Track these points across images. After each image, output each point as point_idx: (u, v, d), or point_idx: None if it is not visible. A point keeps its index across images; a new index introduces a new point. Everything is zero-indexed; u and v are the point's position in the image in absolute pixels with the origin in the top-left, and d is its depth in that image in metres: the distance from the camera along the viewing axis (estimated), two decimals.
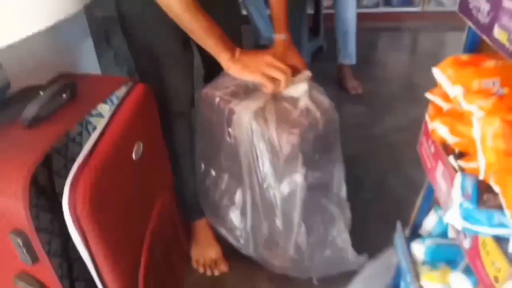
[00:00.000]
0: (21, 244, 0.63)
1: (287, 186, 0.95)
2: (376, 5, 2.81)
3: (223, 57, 0.89)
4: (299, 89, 0.95)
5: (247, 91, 0.96)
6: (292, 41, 1.04)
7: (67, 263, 0.86)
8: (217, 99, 0.96)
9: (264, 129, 0.90)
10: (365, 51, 2.35)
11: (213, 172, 1.08)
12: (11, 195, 0.61)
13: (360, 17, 2.02)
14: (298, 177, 0.93)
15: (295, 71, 0.98)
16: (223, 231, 1.13)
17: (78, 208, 0.62)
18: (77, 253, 0.87)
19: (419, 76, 2.18)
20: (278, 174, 0.94)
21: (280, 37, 1.02)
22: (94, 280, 0.76)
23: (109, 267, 0.71)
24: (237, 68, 0.89)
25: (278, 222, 0.99)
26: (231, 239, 1.12)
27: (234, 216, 1.07)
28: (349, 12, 1.94)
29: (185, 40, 0.99)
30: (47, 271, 0.68)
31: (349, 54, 2.04)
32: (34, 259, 0.66)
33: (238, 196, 1.03)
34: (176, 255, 1.09)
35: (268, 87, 0.90)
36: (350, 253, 1.10)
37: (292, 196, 0.95)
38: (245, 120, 0.91)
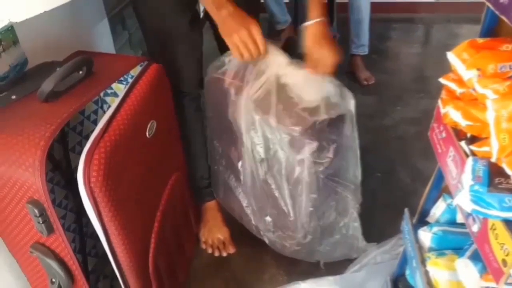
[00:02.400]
0: (37, 214, 0.65)
1: (295, 171, 0.95)
2: None
3: (212, 14, 0.88)
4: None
5: (256, 73, 0.96)
6: (327, 27, 0.92)
7: (80, 239, 0.88)
8: (224, 84, 0.96)
9: (266, 122, 0.90)
10: (378, 42, 2.33)
11: (223, 154, 1.09)
12: (28, 166, 0.62)
13: (373, 7, 1.99)
14: (305, 164, 0.93)
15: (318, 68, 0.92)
16: (233, 212, 1.14)
17: (92, 180, 0.64)
18: (90, 229, 0.89)
19: (431, 69, 2.16)
20: (285, 160, 0.94)
21: (311, 24, 0.91)
22: (106, 255, 0.77)
23: (120, 241, 0.73)
24: (220, 26, 0.88)
25: (287, 206, 1.00)
26: (240, 221, 1.13)
27: (243, 197, 1.08)
28: (363, 2, 1.92)
29: (193, 20, 0.99)
30: (62, 243, 0.70)
31: (362, 44, 2.03)
32: (50, 230, 0.68)
33: (246, 178, 1.05)
34: (185, 235, 1.11)
35: (234, 55, 0.89)
36: (360, 241, 1.11)
37: (301, 181, 0.96)
38: (247, 109, 0.91)
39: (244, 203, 1.09)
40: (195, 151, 1.14)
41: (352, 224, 1.08)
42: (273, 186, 0.99)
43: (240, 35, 0.85)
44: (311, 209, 1.00)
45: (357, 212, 1.09)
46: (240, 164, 1.05)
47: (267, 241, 1.13)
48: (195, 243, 1.22)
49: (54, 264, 0.72)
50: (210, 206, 1.23)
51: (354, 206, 1.08)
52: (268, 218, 1.07)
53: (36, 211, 0.64)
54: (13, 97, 0.73)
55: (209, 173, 1.21)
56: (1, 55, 0.81)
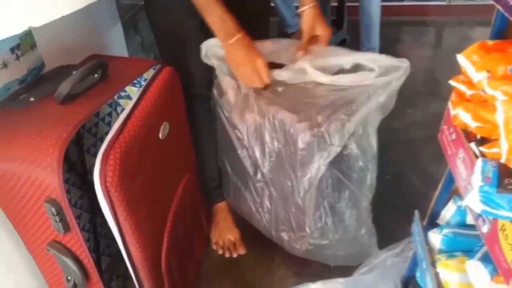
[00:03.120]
0: (54, 213, 0.67)
1: (309, 172, 0.95)
2: None
3: (221, 40, 0.93)
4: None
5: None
6: (320, 9, 1.02)
7: (95, 238, 0.91)
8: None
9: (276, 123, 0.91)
10: (388, 45, 2.33)
11: (233, 154, 1.09)
12: (46, 166, 0.64)
13: (384, 10, 1.99)
14: (318, 167, 0.94)
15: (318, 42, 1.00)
16: (243, 213, 1.15)
17: (108, 180, 0.65)
18: (103, 229, 0.91)
19: (442, 72, 2.15)
20: (296, 162, 0.95)
21: (306, 8, 1.00)
22: (119, 255, 0.79)
23: (135, 240, 0.75)
24: (227, 56, 0.94)
25: (299, 200, 0.99)
26: (250, 221, 1.14)
27: (255, 196, 1.09)
28: (374, 5, 1.93)
29: (204, 23, 1.01)
30: (77, 241, 0.72)
31: (372, 47, 2.03)
32: (66, 228, 0.70)
33: (257, 178, 1.05)
34: (196, 235, 1.13)
35: (243, 83, 0.96)
36: (374, 248, 1.10)
37: (313, 173, 0.95)
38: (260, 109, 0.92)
39: (256, 203, 1.10)
40: (205, 152, 1.16)
41: (368, 232, 1.07)
42: (287, 182, 0.99)
43: (246, 68, 0.93)
44: (324, 204, 0.99)
45: (371, 218, 1.09)
46: (250, 163, 1.05)
47: (277, 241, 1.14)
48: (205, 243, 1.23)
49: (70, 262, 0.74)
50: (221, 207, 1.24)
51: (369, 214, 1.07)
52: (281, 217, 1.07)
53: (53, 209, 0.66)
54: (32, 99, 0.76)
55: (219, 174, 1.22)
56: (20, 59, 0.84)
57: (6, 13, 0.66)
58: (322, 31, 1.01)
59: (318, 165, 0.92)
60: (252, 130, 0.98)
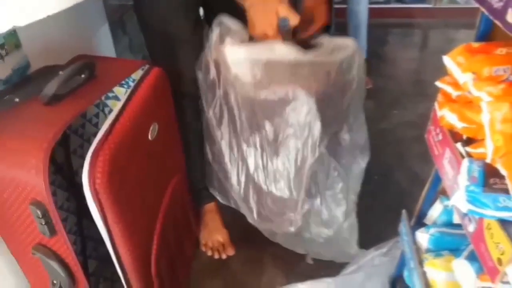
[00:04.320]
0: (40, 216, 0.65)
1: (305, 148, 0.95)
2: (388, 1, 2.81)
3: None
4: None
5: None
6: None
7: (81, 241, 0.89)
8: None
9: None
10: (375, 46, 2.35)
11: (217, 139, 1.06)
12: (31, 168, 0.63)
13: (371, 12, 2.02)
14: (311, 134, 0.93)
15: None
16: (228, 200, 1.11)
17: (97, 182, 0.64)
18: (90, 232, 0.90)
19: (429, 73, 2.18)
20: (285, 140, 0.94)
21: None
22: (106, 258, 0.78)
23: (124, 242, 0.74)
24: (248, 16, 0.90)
25: (285, 191, 0.99)
26: (235, 206, 1.10)
27: (237, 182, 1.06)
28: (362, 6, 1.95)
29: (196, 23, 1.01)
30: (64, 244, 0.71)
31: (360, 49, 2.04)
32: (52, 231, 0.68)
33: (241, 162, 1.03)
34: (186, 236, 1.12)
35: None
36: (353, 246, 1.10)
37: (303, 151, 0.95)
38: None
39: (240, 187, 1.06)
40: (194, 152, 1.15)
41: (350, 224, 1.08)
42: (278, 162, 0.98)
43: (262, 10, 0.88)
44: (312, 189, 0.98)
45: (355, 214, 1.09)
46: (235, 147, 1.03)
47: (260, 227, 1.11)
48: (195, 244, 1.23)
49: (56, 266, 0.72)
50: (209, 208, 1.23)
51: (353, 203, 1.06)
52: (263, 205, 1.05)
53: (39, 212, 0.65)
54: (16, 100, 0.74)
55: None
56: (4, 59, 0.83)
57: None
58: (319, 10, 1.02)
59: (315, 138, 0.91)
60: (241, 107, 0.96)
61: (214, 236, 1.21)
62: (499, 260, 0.50)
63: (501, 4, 0.47)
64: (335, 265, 1.12)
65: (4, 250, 0.78)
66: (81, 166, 0.66)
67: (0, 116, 0.72)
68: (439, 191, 0.83)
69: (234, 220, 1.27)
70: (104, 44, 1.25)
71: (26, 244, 0.72)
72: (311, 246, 1.11)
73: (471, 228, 0.57)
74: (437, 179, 0.80)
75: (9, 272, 0.84)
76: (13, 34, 0.84)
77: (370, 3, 2.01)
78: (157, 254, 0.87)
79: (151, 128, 0.81)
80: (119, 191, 0.69)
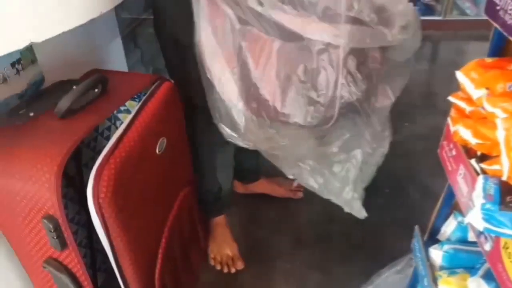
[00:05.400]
0: (52, 230, 0.66)
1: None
2: None
3: None
4: None
5: None
6: None
7: (91, 254, 0.89)
8: None
9: None
10: None
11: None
12: (44, 182, 0.64)
13: None
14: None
15: None
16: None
17: (101, 196, 0.65)
18: (100, 244, 0.90)
19: (439, 85, 2.17)
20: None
21: None
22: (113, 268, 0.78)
23: (127, 256, 0.74)
24: None
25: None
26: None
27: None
28: None
29: None
30: (74, 258, 0.71)
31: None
32: (63, 245, 0.69)
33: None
34: (193, 250, 1.11)
35: None
36: (347, 191, 0.99)
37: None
38: None
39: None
40: (204, 165, 1.15)
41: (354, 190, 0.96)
42: None
43: None
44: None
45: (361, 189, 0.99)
46: None
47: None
48: (203, 257, 1.22)
49: (66, 280, 0.73)
50: (219, 221, 1.23)
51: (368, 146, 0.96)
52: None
53: (51, 226, 0.65)
54: (31, 114, 0.76)
55: (218, 187, 1.22)
56: (20, 74, 0.84)
57: (8, 28, 0.66)
58: None
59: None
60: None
61: (223, 250, 1.21)
62: None
63: None
64: (350, 285, 1.10)
65: (16, 263, 0.78)
66: None
67: (15, 130, 0.73)
68: (452, 206, 0.82)
69: (243, 233, 1.26)
70: (117, 57, 1.27)
71: (37, 257, 0.73)
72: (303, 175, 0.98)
73: (487, 247, 0.55)
74: (450, 194, 0.79)
75: (21, 286, 0.84)
76: (29, 49, 0.85)
77: None
78: (161, 268, 0.87)
79: (159, 143, 0.81)
80: (123, 206, 0.69)
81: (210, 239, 1.23)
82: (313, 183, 0.97)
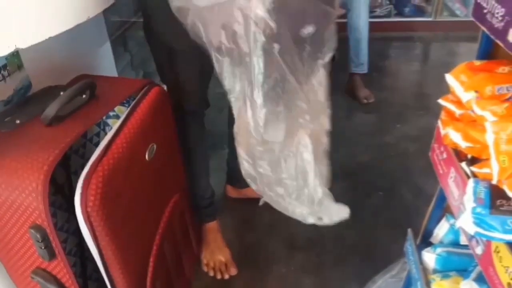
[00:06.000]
0: (40, 240, 0.65)
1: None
2: (388, 14, 2.82)
3: None
4: None
5: None
6: None
7: (81, 263, 0.88)
8: None
9: None
10: (377, 60, 2.36)
11: None
12: (31, 191, 0.63)
13: (372, 26, 2.03)
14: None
15: None
16: None
17: (89, 205, 0.64)
18: (91, 252, 0.89)
19: (430, 86, 2.18)
20: None
21: None
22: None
23: (117, 265, 0.73)
24: None
25: None
26: None
27: None
28: (362, 20, 1.96)
29: None
30: (63, 268, 0.70)
31: (361, 63, 2.05)
32: (52, 255, 0.67)
33: None
34: (186, 256, 1.10)
35: None
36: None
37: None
38: None
39: None
40: (196, 170, 1.14)
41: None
42: None
43: None
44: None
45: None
46: None
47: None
48: (195, 263, 1.21)
49: None
50: (211, 227, 1.22)
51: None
52: None
53: (38, 236, 0.64)
54: (17, 121, 0.74)
55: (211, 192, 1.21)
56: (6, 80, 0.83)
57: None
58: None
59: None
60: None
61: (216, 256, 1.20)
62: (509, 285, 0.49)
63: (502, 24, 0.46)
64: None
65: (4, 275, 0.77)
66: None
67: (1, 137, 0.71)
68: (444, 209, 0.82)
69: (236, 238, 1.25)
70: (106, 62, 1.26)
71: (25, 268, 0.71)
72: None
73: (479, 250, 0.55)
74: (442, 197, 0.79)
75: None
76: (15, 55, 0.84)
77: (371, 17, 2.02)
78: (153, 276, 0.86)
79: (148, 149, 0.80)
80: (112, 213, 0.68)
81: (203, 245, 1.22)
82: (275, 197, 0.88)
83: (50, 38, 0.75)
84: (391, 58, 2.57)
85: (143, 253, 0.84)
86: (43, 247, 0.65)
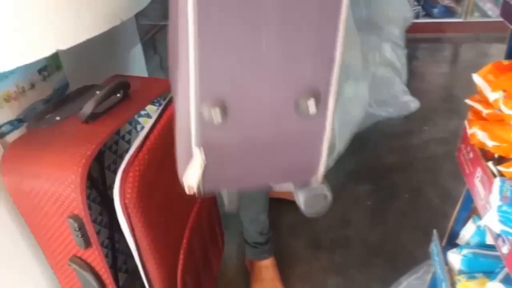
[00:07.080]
0: (77, 229, 0.69)
1: None
2: (416, 16, 2.78)
3: None
4: None
5: None
6: None
7: (112, 254, 0.92)
8: None
9: None
10: None
11: None
12: (70, 183, 0.67)
13: None
14: None
15: None
16: None
17: (127, 197, 0.67)
18: (122, 245, 0.93)
19: (460, 88, 2.14)
20: None
21: None
22: (136, 271, 0.80)
23: (151, 256, 0.76)
24: None
25: None
26: None
27: None
28: None
29: None
30: (97, 257, 0.74)
31: None
32: (88, 244, 0.71)
33: None
34: (212, 251, 1.13)
35: None
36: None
37: None
38: None
39: None
40: (257, 205, 1.11)
41: None
42: None
43: None
44: None
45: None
46: None
47: None
48: (221, 259, 1.23)
49: (89, 277, 0.75)
50: (268, 263, 1.17)
51: None
52: None
53: (76, 225, 0.68)
54: (57, 118, 0.79)
55: (268, 227, 1.15)
56: (46, 80, 0.88)
57: (35, 37, 0.69)
58: None
59: None
60: None
61: None
62: None
63: None
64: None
65: (42, 260, 0.81)
66: (114, 181, 0.70)
67: (42, 133, 0.76)
68: (471, 211, 0.81)
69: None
70: (137, 63, 1.31)
71: (63, 255, 0.76)
72: None
73: (505, 249, 0.55)
74: (469, 198, 0.78)
75: (48, 284, 0.88)
76: (55, 56, 0.89)
77: None
78: (183, 269, 0.89)
79: None
80: (147, 206, 0.71)
81: (256, 282, 1.17)
82: None
83: (87, 40, 0.79)
84: (420, 60, 2.53)
85: (174, 247, 0.87)
86: (79, 236, 0.69)
